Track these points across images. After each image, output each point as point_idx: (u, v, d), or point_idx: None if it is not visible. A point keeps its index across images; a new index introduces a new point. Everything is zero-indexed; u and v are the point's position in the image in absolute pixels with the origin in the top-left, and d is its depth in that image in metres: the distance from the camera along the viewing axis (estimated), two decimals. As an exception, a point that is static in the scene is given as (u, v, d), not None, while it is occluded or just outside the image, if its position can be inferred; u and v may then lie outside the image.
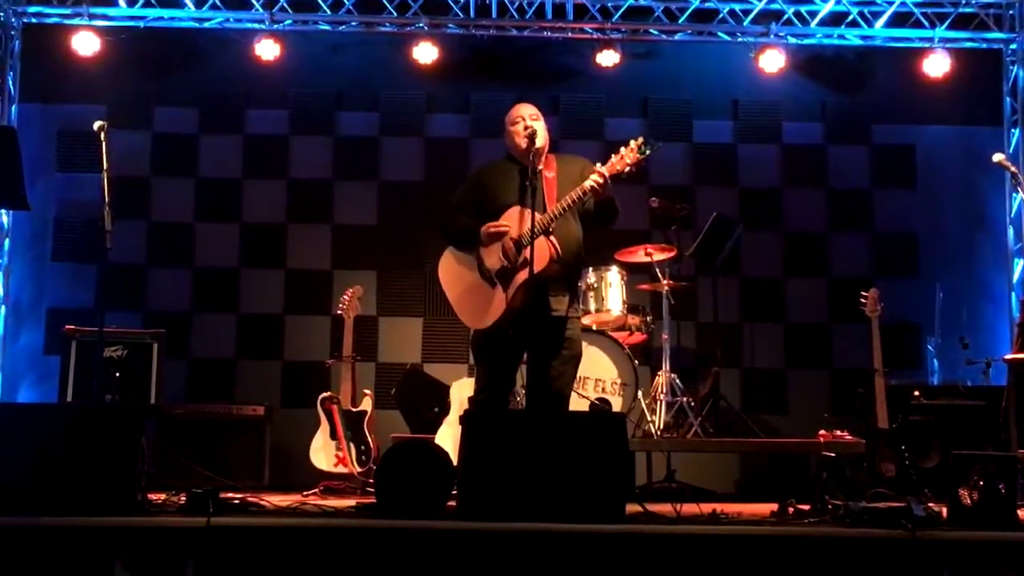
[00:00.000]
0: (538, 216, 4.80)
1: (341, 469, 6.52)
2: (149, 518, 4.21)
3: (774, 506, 4.91)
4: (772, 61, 8.02)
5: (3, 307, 7.97)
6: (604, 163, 4.88)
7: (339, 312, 6.93)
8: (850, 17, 8.07)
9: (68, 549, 3.96)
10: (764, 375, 8.12)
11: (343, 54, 8.32)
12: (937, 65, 8.01)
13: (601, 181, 4.83)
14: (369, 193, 8.24)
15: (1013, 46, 8.20)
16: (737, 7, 8.09)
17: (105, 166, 5.16)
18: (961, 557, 3.98)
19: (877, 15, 8.09)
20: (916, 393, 6.59)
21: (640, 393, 6.80)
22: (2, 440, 4.33)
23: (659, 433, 6.70)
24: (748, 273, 8.19)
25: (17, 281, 8.05)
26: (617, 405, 6.66)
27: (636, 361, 6.84)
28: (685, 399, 6.91)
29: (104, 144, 5.20)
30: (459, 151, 8.23)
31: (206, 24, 8.03)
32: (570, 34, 8.15)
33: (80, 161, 7.87)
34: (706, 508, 4.76)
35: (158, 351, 6.76)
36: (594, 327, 6.89)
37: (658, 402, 6.89)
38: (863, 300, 6.38)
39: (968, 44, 8.19)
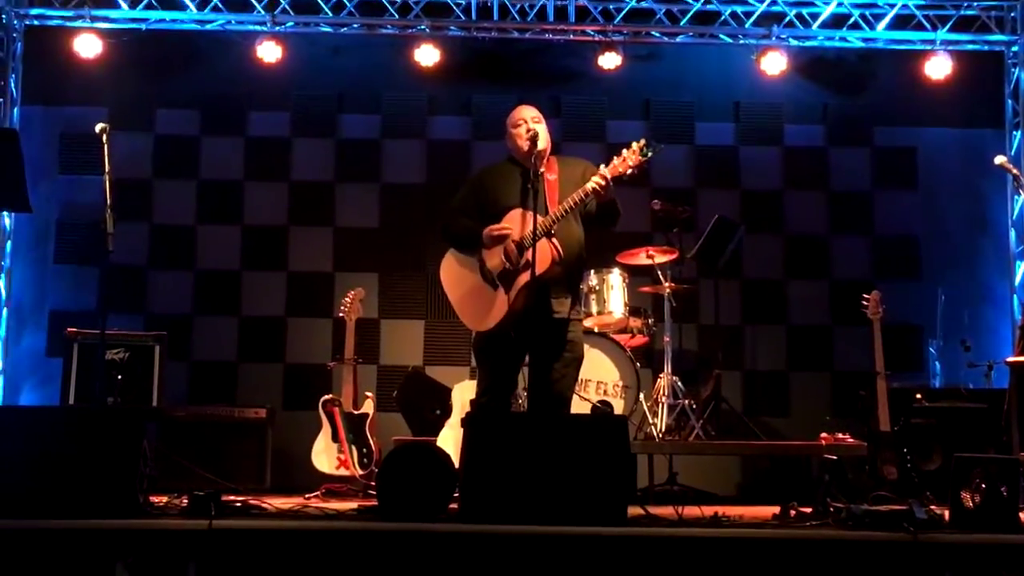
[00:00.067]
0: (540, 218, 4.80)
1: (343, 472, 6.51)
2: (151, 521, 4.21)
3: (776, 509, 4.90)
4: (774, 63, 8.02)
5: (5, 309, 7.97)
6: (606, 165, 4.88)
7: (341, 314, 6.93)
8: (852, 19, 8.08)
9: (70, 551, 3.96)
10: (766, 377, 8.12)
11: (345, 56, 8.32)
12: (939, 67, 8.01)
13: (603, 183, 4.82)
14: (371, 195, 8.24)
15: (1015, 48, 8.20)
16: (739, 9, 8.09)
17: (107, 168, 5.16)
18: (963, 560, 3.98)
19: (879, 17, 8.10)
20: (918, 396, 6.60)
21: (642, 395, 6.80)
22: (4, 442, 4.33)
23: (661, 435, 6.71)
24: (750, 275, 8.19)
25: (19, 283, 8.05)
26: (619, 407, 6.66)
27: (638, 363, 6.84)
28: (687, 401, 6.92)
29: (106, 146, 5.20)
30: (461, 153, 8.23)
31: (208, 26, 8.03)
32: (572, 36, 8.15)
33: (82, 163, 7.87)
34: (708, 511, 4.75)
35: (160, 353, 6.75)
36: (596, 329, 6.89)
37: (660, 404, 6.89)
38: (865, 302, 6.38)
39: (970, 46, 8.20)
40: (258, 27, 7.97)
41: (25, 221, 7.96)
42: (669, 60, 8.42)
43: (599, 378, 6.73)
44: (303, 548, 4.02)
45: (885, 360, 6.25)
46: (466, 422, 4.48)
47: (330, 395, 6.75)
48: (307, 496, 6.10)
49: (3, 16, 7.94)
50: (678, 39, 8.19)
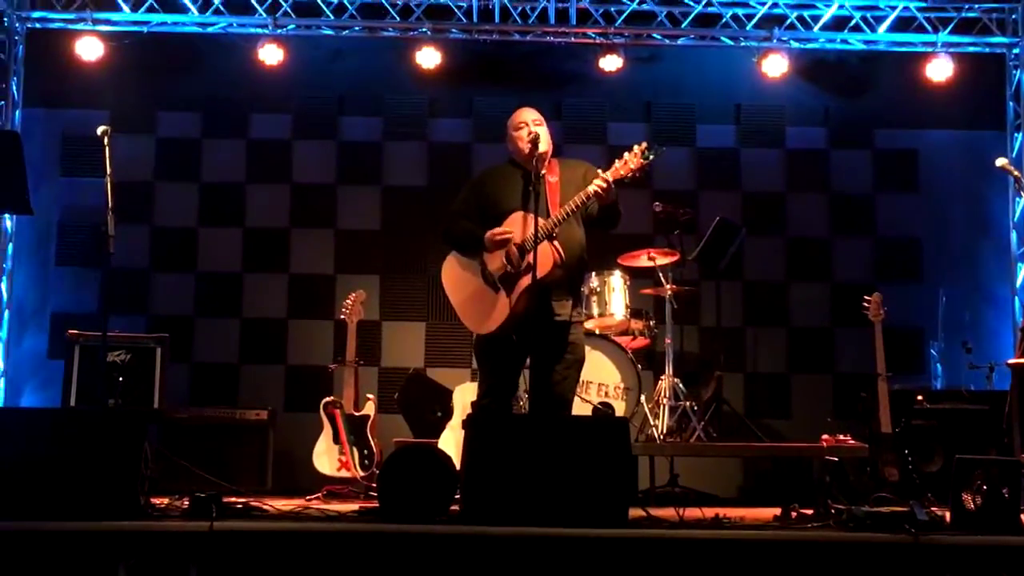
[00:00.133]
0: (541, 221, 4.80)
1: (344, 473, 6.52)
2: (152, 522, 4.22)
3: (777, 510, 4.91)
4: (775, 66, 8.02)
5: (7, 311, 7.97)
6: (608, 168, 4.89)
7: (342, 316, 6.94)
8: (853, 22, 8.08)
9: (71, 553, 3.96)
10: (767, 379, 8.12)
11: (346, 59, 8.33)
12: (940, 69, 8.01)
13: (605, 186, 4.82)
14: (372, 197, 8.25)
15: (1016, 50, 8.19)
16: (740, 12, 8.10)
17: (108, 171, 5.17)
18: (964, 562, 3.98)
19: (880, 19, 8.10)
20: (919, 397, 6.60)
21: (643, 397, 6.80)
22: (6, 444, 4.33)
23: (662, 437, 6.71)
24: (751, 277, 8.18)
25: (21, 285, 8.06)
26: (620, 409, 6.66)
27: (639, 365, 6.84)
28: (688, 403, 6.92)
29: (107, 149, 5.20)
30: (462, 156, 8.23)
31: (209, 29, 8.04)
32: (573, 39, 8.14)
33: (83, 166, 7.87)
34: (709, 512, 4.76)
35: (161, 355, 6.75)
36: (597, 331, 6.89)
37: (661, 406, 6.89)
38: (866, 304, 6.37)
39: (971, 49, 8.19)
40: (260, 30, 7.98)
41: (27, 223, 7.97)
42: (670, 62, 8.42)
43: (600, 380, 6.73)
44: (304, 550, 4.02)
45: (886, 362, 6.24)
46: (467, 424, 4.49)
47: (331, 397, 6.76)
48: (308, 498, 6.10)
49: (5, 19, 7.95)
50: (679, 41, 8.19)
